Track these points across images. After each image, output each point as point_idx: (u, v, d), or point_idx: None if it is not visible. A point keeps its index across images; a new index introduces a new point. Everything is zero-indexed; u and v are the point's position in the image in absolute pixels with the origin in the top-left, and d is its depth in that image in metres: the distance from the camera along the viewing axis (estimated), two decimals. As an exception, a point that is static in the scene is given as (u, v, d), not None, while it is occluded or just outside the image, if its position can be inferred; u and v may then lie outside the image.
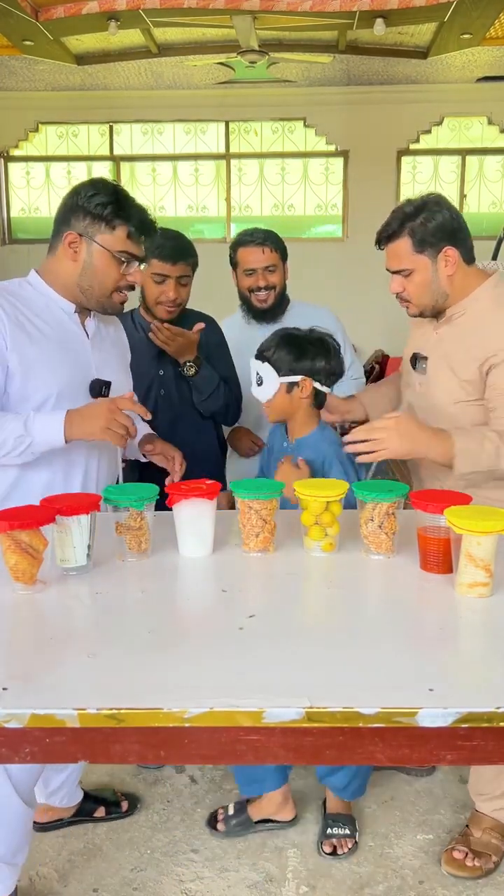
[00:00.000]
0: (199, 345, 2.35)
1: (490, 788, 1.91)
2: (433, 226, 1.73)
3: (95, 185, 1.68)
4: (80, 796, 2.07)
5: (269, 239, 2.48)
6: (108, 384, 1.76)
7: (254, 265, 2.46)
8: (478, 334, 1.75)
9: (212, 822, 2.04)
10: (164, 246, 2.19)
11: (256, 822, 2.01)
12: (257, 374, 1.83)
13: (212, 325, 2.43)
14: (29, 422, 1.56)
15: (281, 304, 2.54)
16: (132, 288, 1.74)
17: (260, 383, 1.83)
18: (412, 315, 1.87)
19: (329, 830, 1.97)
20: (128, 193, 1.71)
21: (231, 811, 2.03)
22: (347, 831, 1.97)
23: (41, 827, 2.04)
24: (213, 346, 2.40)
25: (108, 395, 1.74)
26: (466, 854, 1.87)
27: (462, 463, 1.61)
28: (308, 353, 1.81)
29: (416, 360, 1.90)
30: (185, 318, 2.36)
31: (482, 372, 1.73)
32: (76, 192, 1.68)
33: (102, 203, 1.65)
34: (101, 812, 2.07)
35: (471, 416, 1.77)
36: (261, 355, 1.84)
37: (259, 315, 2.52)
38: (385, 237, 1.80)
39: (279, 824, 2.01)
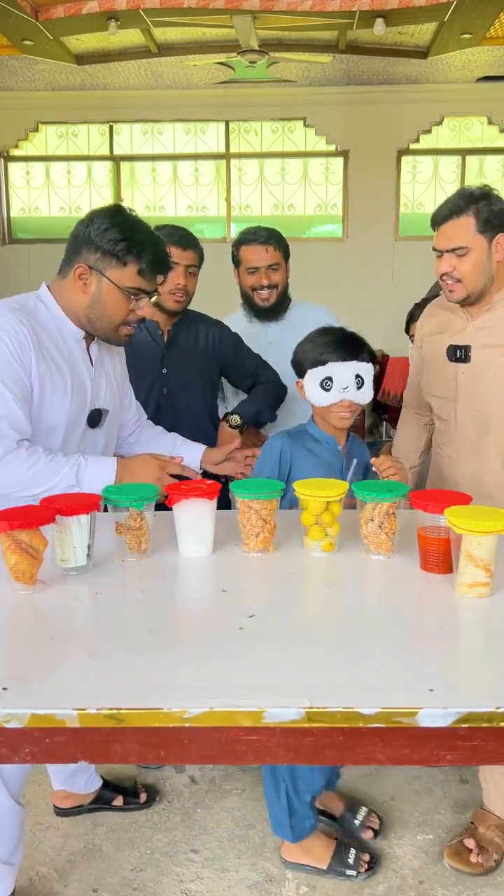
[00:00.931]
0: (219, 356, 2.37)
1: (497, 783, 1.92)
2: (496, 210, 1.80)
3: (110, 218, 1.63)
4: (98, 783, 2.10)
5: (272, 237, 2.47)
6: (105, 413, 1.77)
7: (257, 263, 2.45)
8: None
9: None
10: (174, 234, 2.24)
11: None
12: (359, 377, 1.76)
13: (220, 327, 2.43)
14: (81, 473, 1.59)
15: (283, 302, 2.53)
16: (141, 320, 1.72)
17: (361, 386, 1.76)
18: (456, 299, 1.87)
19: (356, 819, 2.01)
20: (143, 226, 1.66)
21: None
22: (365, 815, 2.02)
23: (62, 812, 2.08)
24: (232, 349, 2.42)
25: (102, 424, 1.76)
26: (473, 848, 1.87)
27: None
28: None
29: (456, 350, 1.93)
30: (189, 320, 2.36)
31: None
32: (90, 222, 1.63)
33: (115, 239, 1.60)
34: (119, 801, 2.10)
35: None
36: (360, 356, 1.78)
37: (261, 314, 2.52)
38: (448, 213, 1.83)
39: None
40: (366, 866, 1.87)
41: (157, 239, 1.68)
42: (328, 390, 1.76)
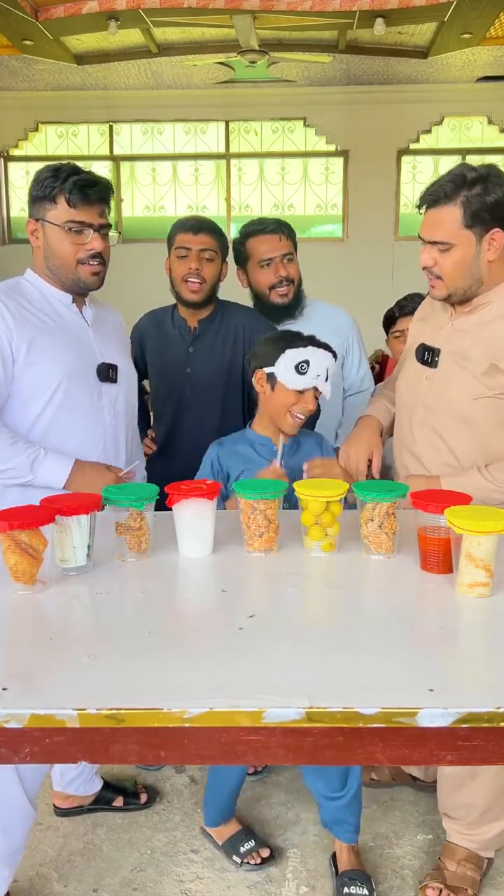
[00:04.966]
0: (235, 345, 2.20)
1: (460, 814, 1.78)
2: (491, 201, 1.55)
3: (40, 170, 1.73)
4: (98, 785, 2.11)
5: (283, 226, 2.23)
6: (114, 367, 1.81)
7: (270, 254, 2.21)
8: (501, 335, 1.62)
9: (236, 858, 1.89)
10: (187, 220, 2.19)
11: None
12: (328, 370, 1.72)
13: (256, 321, 2.24)
14: (37, 464, 1.65)
15: (298, 300, 2.29)
16: (99, 258, 1.73)
17: (327, 379, 1.73)
18: (438, 297, 1.69)
19: (346, 890, 1.77)
20: (73, 166, 1.72)
21: (247, 845, 1.90)
22: (366, 891, 1.77)
23: (62, 812, 2.09)
24: None
25: (115, 379, 1.81)
26: (441, 891, 1.74)
27: None
28: None
29: (424, 351, 1.74)
30: (221, 313, 2.23)
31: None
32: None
33: (41, 180, 1.70)
34: (119, 802, 2.11)
35: (486, 411, 1.64)
36: (328, 348, 1.74)
37: (276, 313, 2.26)
38: (432, 199, 1.60)
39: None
40: (257, 860, 1.88)
41: (81, 171, 1.72)
42: (304, 374, 1.70)
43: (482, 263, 1.61)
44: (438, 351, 1.72)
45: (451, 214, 1.57)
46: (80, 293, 1.80)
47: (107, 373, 1.79)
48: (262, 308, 2.28)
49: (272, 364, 1.73)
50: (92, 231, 1.71)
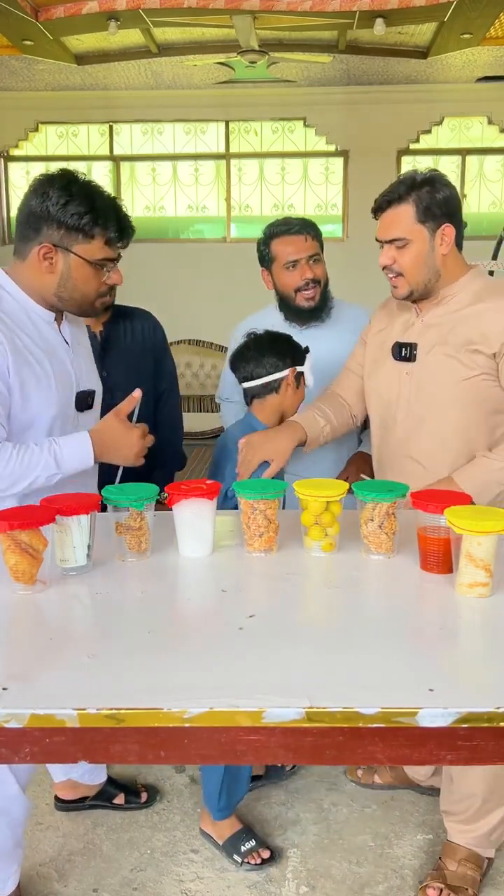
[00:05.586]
0: (144, 347, 2.23)
1: (461, 808, 1.80)
2: (440, 198, 1.69)
3: (66, 189, 1.53)
4: (104, 776, 2.11)
5: (309, 226, 2.19)
6: (92, 394, 1.72)
7: (296, 256, 2.16)
8: (476, 319, 1.71)
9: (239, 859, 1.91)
10: None
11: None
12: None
13: (152, 320, 2.28)
14: (58, 456, 1.53)
15: (325, 302, 2.24)
16: (112, 288, 1.66)
17: None
18: (401, 296, 1.78)
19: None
20: (101, 192, 1.58)
21: (247, 845, 1.93)
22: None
23: (64, 806, 2.10)
24: (162, 349, 2.31)
25: (92, 405, 1.72)
26: (441, 891, 1.76)
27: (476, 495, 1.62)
28: None
29: (401, 348, 1.82)
30: (120, 315, 2.24)
31: (489, 355, 1.69)
32: (44, 195, 1.54)
33: (78, 213, 1.52)
34: (120, 799, 2.11)
35: (469, 393, 1.71)
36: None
37: (303, 316, 2.22)
38: (387, 202, 1.72)
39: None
40: (257, 860, 1.89)
41: (116, 203, 1.60)
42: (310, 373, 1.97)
43: (437, 257, 1.73)
44: (415, 345, 1.81)
45: (406, 212, 1.71)
46: (75, 314, 1.69)
47: (85, 401, 1.69)
48: (287, 310, 2.24)
49: (302, 364, 1.93)
50: (114, 265, 1.61)
